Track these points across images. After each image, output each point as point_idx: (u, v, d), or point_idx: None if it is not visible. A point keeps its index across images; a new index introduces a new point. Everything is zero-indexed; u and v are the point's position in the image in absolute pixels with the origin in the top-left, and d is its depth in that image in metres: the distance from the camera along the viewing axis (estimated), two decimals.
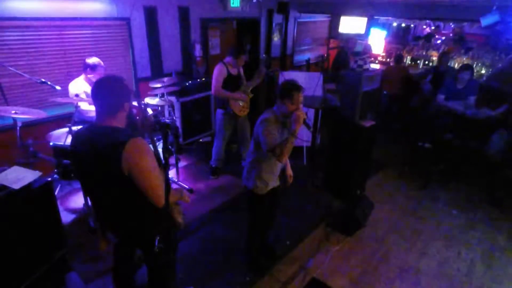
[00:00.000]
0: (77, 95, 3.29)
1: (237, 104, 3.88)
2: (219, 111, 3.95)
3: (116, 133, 1.59)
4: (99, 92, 1.63)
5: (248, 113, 4.06)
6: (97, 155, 1.59)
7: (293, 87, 2.23)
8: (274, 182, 2.51)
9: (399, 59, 5.88)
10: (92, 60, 3.39)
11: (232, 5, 5.21)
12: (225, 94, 3.77)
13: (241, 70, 4.00)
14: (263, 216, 2.63)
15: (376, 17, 6.64)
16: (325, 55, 7.91)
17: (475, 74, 5.11)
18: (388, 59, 7.34)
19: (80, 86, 3.40)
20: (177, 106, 4.51)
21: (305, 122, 2.22)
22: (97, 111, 1.65)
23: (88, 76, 3.43)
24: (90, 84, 3.46)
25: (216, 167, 4.22)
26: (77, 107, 3.22)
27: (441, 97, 4.50)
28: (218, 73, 3.74)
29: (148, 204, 1.65)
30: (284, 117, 2.30)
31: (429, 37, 5.46)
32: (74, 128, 3.08)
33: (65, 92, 3.39)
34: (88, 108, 3.48)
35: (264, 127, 2.22)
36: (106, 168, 1.59)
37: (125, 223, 1.80)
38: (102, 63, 3.44)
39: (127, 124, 1.73)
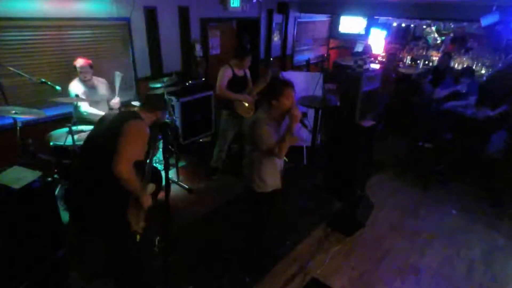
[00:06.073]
0: (77, 95, 3.29)
1: (243, 106, 3.86)
2: (224, 112, 3.94)
3: (130, 114, 2.02)
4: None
5: (253, 114, 4.02)
6: (109, 127, 1.98)
7: (283, 84, 2.24)
8: (273, 182, 2.47)
9: (388, 60, 5.88)
10: (77, 62, 3.39)
11: (232, 5, 5.21)
12: (228, 94, 3.75)
13: (248, 72, 3.97)
14: (263, 215, 2.63)
15: (376, 17, 6.63)
16: (325, 55, 7.91)
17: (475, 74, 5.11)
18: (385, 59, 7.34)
19: (77, 87, 3.40)
20: (177, 106, 4.51)
21: (302, 122, 2.22)
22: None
23: (79, 77, 3.44)
24: (84, 85, 3.46)
25: (216, 167, 4.22)
26: (76, 106, 3.22)
27: (439, 91, 4.51)
28: (223, 73, 3.72)
29: (124, 194, 1.89)
30: (279, 116, 2.30)
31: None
32: (74, 128, 3.08)
33: (65, 92, 3.39)
34: (88, 109, 3.48)
35: (259, 127, 2.22)
36: (109, 139, 1.89)
37: (96, 203, 1.95)
38: (87, 63, 3.41)
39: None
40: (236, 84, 3.80)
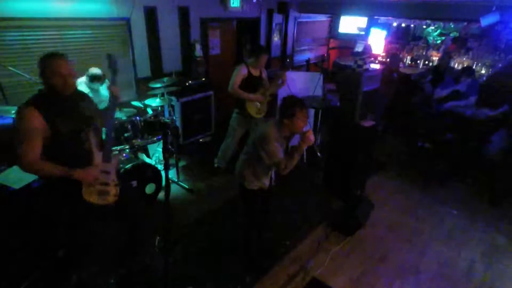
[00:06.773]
0: None
1: (254, 106, 3.81)
2: (235, 111, 3.91)
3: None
4: None
5: (264, 115, 3.96)
6: None
7: (296, 105, 2.18)
8: (266, 181, 2.52)
9: (391, 60, 5.87)
10: (95, 70, 3.47)
11: (232, 5, 5.21)
12: (240, 93, 3.69)
13: (264, 73, 3.89)
14: (257, 212, 2.65)
15: (376, 17, 6.63)
16: (325, 55, 7.91)
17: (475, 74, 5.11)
18: (387, 59, 7.34)
19: (81, 87, 3.42)
20: (177, 106, 4.51)
21: (313, 146, 2.22)
22: None
23: (88, 83, 3.52)
24: (88, 87, 3.53)
25: (218, 167, 4.21)
26: None
27: (439, 91, 4.52)
28: (237, 72, 3.66)
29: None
30: (289, 133, 2.31)
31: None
32: None
33: None
34: None
35: (268, 143, 2.20)
36: None
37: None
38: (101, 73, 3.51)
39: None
40: (251, 84, 3.72)
